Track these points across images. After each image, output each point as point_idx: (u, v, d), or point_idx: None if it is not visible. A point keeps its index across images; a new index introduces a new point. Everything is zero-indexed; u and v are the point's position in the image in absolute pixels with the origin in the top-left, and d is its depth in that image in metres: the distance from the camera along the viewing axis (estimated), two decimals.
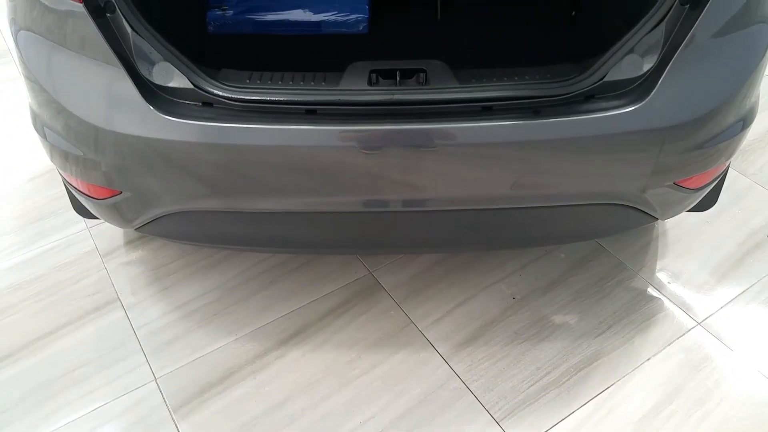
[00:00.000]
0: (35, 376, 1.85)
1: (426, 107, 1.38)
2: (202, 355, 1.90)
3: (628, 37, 1.36)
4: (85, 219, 2.28)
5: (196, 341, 1.93)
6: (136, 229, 1.69)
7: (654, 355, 1.86)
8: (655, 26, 1.35)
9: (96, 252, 2.21)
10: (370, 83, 1.40)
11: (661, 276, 2.08)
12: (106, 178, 1.52)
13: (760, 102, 1.65)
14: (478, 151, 1.41)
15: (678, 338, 1.90)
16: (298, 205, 1.51)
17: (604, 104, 1.38)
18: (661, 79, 1.35)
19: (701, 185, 1.59)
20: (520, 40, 2.15)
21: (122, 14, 1.33)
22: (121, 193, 1.54)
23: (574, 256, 2.14)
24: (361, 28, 2.21)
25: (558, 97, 1.37)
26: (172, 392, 1.81)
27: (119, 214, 1.64)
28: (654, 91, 1.36)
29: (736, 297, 2.01)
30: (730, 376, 1.81)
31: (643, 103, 1.36)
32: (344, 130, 1.37)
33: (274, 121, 1.38)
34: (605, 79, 1.37)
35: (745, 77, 1.42)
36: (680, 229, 2.23)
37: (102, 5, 1.33)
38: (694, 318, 1.95)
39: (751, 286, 2.04)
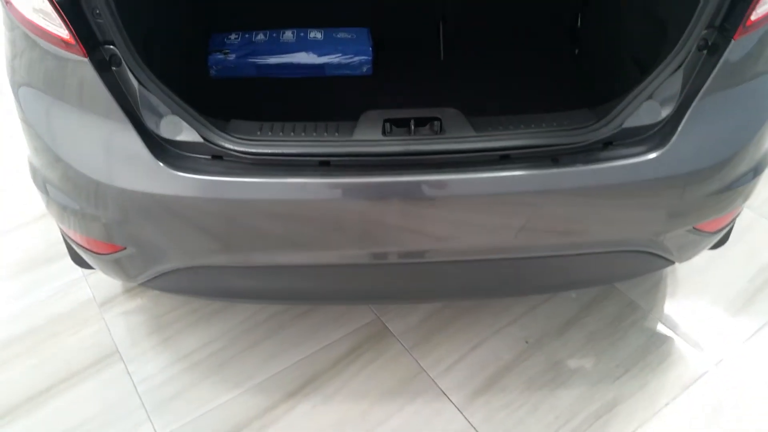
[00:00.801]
0: None
1: (443, 157, 1.35)
2: (208, 410, 1.82)
3: (646, 84, 1.34)
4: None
5: (201, 395, 1.85)
6: (139, 284, 1.64)
7: (672, 400, 1.82)
8: (674, 72, 1.33)
9: (93, 301, 2.13)
10: (384, 133, 1.36)
11: (674, 315, 2.05)
12: (108, 234, 1.46)
13: None
14: (497, 201, 1.38)
15: (695, 381, 1.86)
16: (312, 258, 1.47)
17: (623, 151, 1.36)
18: (681, 125, 1.34)
19: (719, 228, 1.57)
20: (527, 81, 2.14)
21: (128, 67, 1.29)
22: (125, 249, 1.48)
23: (585, 296, 2.10)
24: (364, 70, 2.19)
25: (577, 145, 1.34)
26: None
27: (122, 270, 1.58)
28: (674, 137, 1.34)
29: (752, 335, 1.98)
30: (752, 418, 1.77)
31: (664, 150, 1.34)
32: (359, 183, 1.33)
33: (287, 173, 1.34)
34: (624, 126, 1.35)
35: (765, 120, 1.41)
36: (689, 265, 2.19)
37: (107, 58, 1.30)
38: (711, 359, 1.92)
39: (766, 323, 2.02)
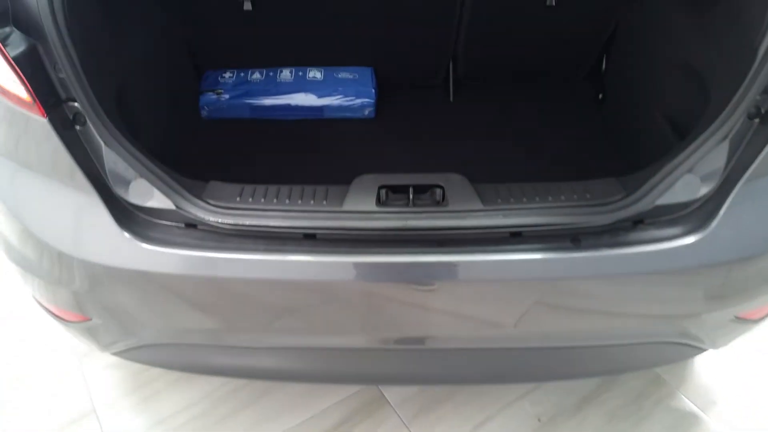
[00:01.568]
0: None
1: (445, 233, 1.18)
2: None
3: (685, 155, 1.16)
4: None
5: None
6: (112, 354, 1.48)
7: None
8: (719, 143, 1.15)
9: (73, 353, 1.98)
10: (379, 202, 1.20)
11: (705, 393, 1.84)
12: (72, 303, 1.31)
13: None
14: (506, 287, 1.20)
15: None
16: (294, 341, 1.30)
17: (656, 232, 1.18)
18: (726, 205, 1.16)
19: (764, 315, 1.37)
20: (544, 134, 1.96)
21: (93, 126, 1.14)
22: (91, 320, 1.33)
23: None
24: (366, 113, 2.03)
25: (602, 225, 1.16)
26: None
27: (92, 338, 1.44)
28: (717, 219, 1.15)
29: None
30: None
31: (705, 233, 1.15)
32: (348, 263, 1.16)
33: (268, 247, 1.17)
34: (657, 203, 1.17)
35: None
36: None
37: (71, 117, 1.15)
38: None
39: None
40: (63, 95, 1.14)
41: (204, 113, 2.01)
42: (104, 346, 1.45)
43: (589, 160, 1.84)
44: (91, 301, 1.28)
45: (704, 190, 1.17)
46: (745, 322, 1.34)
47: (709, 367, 1.92)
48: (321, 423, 1.78)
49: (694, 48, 1.49)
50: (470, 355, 1.35)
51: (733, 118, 1.13)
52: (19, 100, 1.12)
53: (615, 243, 1.16)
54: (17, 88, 1.11)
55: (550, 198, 1.20)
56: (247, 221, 1.17)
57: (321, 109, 2.01)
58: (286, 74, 2.05)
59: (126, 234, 1.17)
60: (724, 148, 1.15)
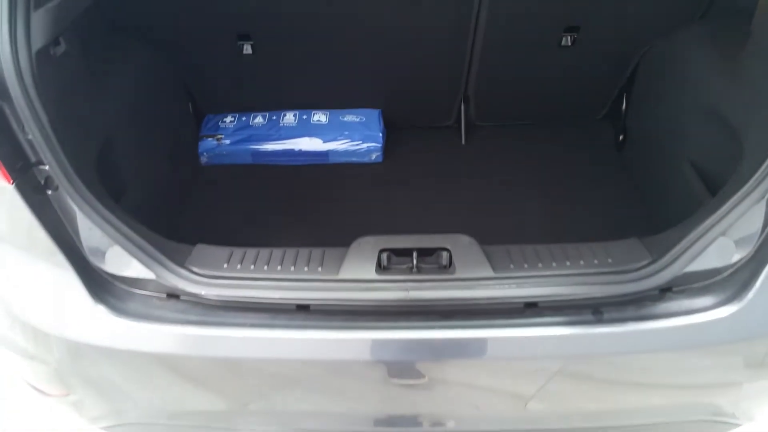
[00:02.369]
0: None
1: (452, 303, 1.07)
2: None
3: (718, 217, 1.04)
4: None
5: None
6: (101, 429, 1.38)
7: None
8: (755, 203, 1.02)
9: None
10: (379, 267, 1.09)
11: None
12: (49, 376, 1.22)
13: None
14: (520, 365, 1.08)
15: None
16: (286, 424, 1.18)
17: (686, 303, 1.05)
18: (765, 271, 1.02)
19: None
20: (561, 182, 1.84)
21: (65, 191, 1.05)
22: (68, 395, 1.23)
23: None
24: (373, 158, 1.93)
25: (626, 295, 1.04)
26: None
27: (76, 412, 1.34)
28: (755, 287, 1.02)
29: None
30: None
31: (741, 303, 1.02)
32: (343, 340, 1.05)
33: (257, 322, 1.07)
34: (687, 270, 1.05)
35: None
36: None
37: (42, 181, 1.06)
38: None
39: None
40: (32, 158, 1.05)
41: (203, 160, 1.93)
42: (90, 420, 1.36)
43: (609, 208, 1.71)
44: (69, 376, 1.19)
45: (739, 255, 1.04)
46: None
47: None
48: None
49: (722, 93, 1.37)
50: None
51: None
52: None
53: (641, 316, 1.04)
54: None
55: (568, 263, 1.08)
56: (234, 292, 1.07)
57: (326, 154, 1.92)
58: (289, 117, 1.96)
59: (101, 307, 1.07)
60: (760, 210, 1.03)
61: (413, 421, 1.19)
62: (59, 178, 1.04)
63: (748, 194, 1.03)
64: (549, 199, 1.75)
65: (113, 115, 1.42)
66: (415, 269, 1.08)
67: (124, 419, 1.27)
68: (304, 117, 1.96)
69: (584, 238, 1.51)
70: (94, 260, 1.09)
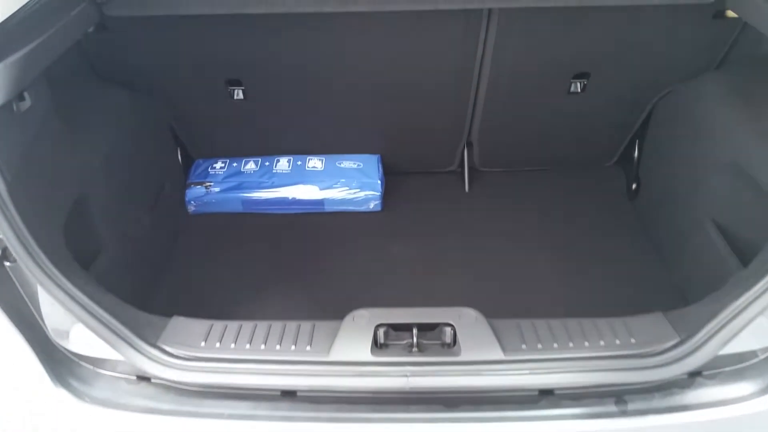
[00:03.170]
0: None
1: (457, 393, 0.95)
2: None
3: (754, 294, 0.92)
4: None
5: None
6: None
7: None
8: None
9: None
10: (375, 344, 0.98)
11: None
12: None
13: None
14: None
15: None
16: None
17: (719, 390, 0.94)
18: None
19: None
20: (570, 233, 1.73)
21: (24, 265, 0.94)
22: None
23: None
24: (372, 206, 1.82)
25: (652, 383, 0.93)
26: None
27: None
28: None
29: None
30: None
31: None
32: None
33: (236, 411, 0.96)
34: (719, 353, 0.93)
35: None
36: None
37: (0, 253, 0.96)
38: None
39: None
40: None
41: (191, 208, 1.82)
42: None
43: (624, 266, 1.59)
44: None
45: None
46: None
47: None
48: None
49: (747, 148, 1.27)
50: None
51: None
52: None
53: (669, 407, 0.92)
54: None
55: (586, 344, 0.97)
56: (211, 379, 0.95)
57: (321, 202, 1.81)
58: (283, 163, 1.86)
59: (63, 390, 0.96)
60: None
61: None
62: (17, 251, 0.94)
63: None
64: (559, 257, 1.63)
65: (88, 170, 1.31)
66: (415, 347, 0.97)
67: None
68: (299, 163, 1.86)
69: (600, 303, 1.38)
70: (56, 339, 0.98)
